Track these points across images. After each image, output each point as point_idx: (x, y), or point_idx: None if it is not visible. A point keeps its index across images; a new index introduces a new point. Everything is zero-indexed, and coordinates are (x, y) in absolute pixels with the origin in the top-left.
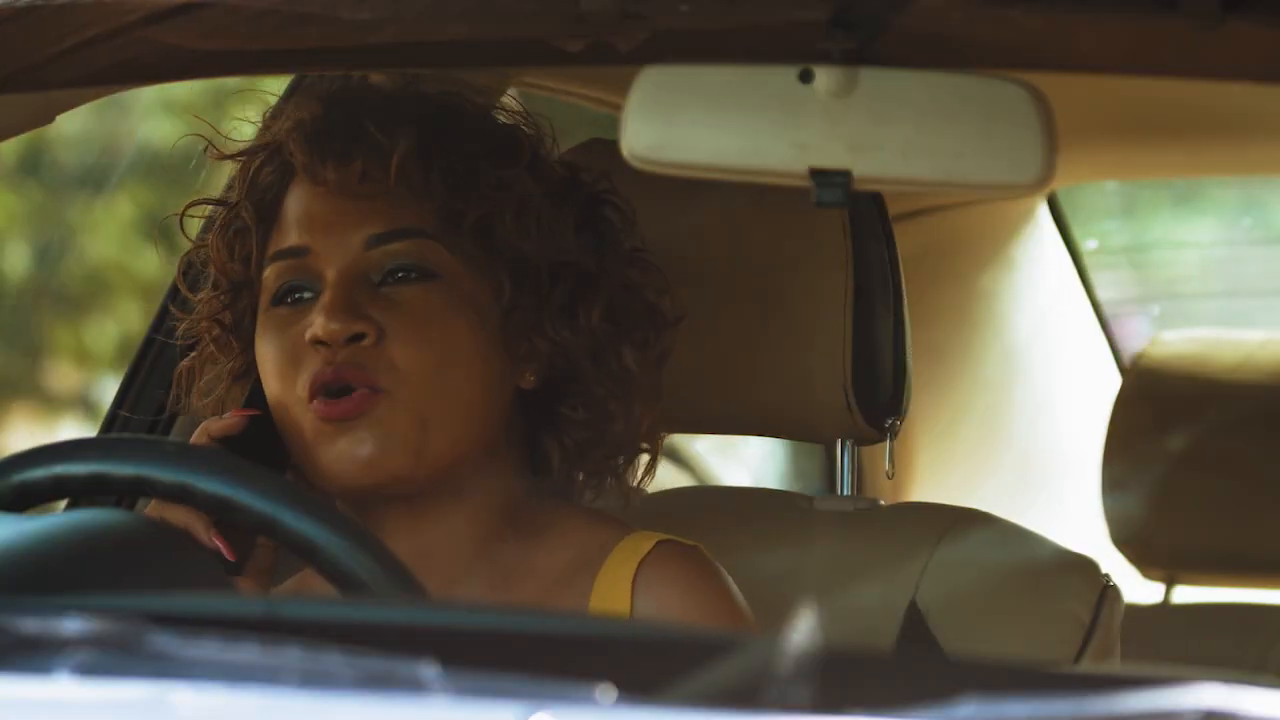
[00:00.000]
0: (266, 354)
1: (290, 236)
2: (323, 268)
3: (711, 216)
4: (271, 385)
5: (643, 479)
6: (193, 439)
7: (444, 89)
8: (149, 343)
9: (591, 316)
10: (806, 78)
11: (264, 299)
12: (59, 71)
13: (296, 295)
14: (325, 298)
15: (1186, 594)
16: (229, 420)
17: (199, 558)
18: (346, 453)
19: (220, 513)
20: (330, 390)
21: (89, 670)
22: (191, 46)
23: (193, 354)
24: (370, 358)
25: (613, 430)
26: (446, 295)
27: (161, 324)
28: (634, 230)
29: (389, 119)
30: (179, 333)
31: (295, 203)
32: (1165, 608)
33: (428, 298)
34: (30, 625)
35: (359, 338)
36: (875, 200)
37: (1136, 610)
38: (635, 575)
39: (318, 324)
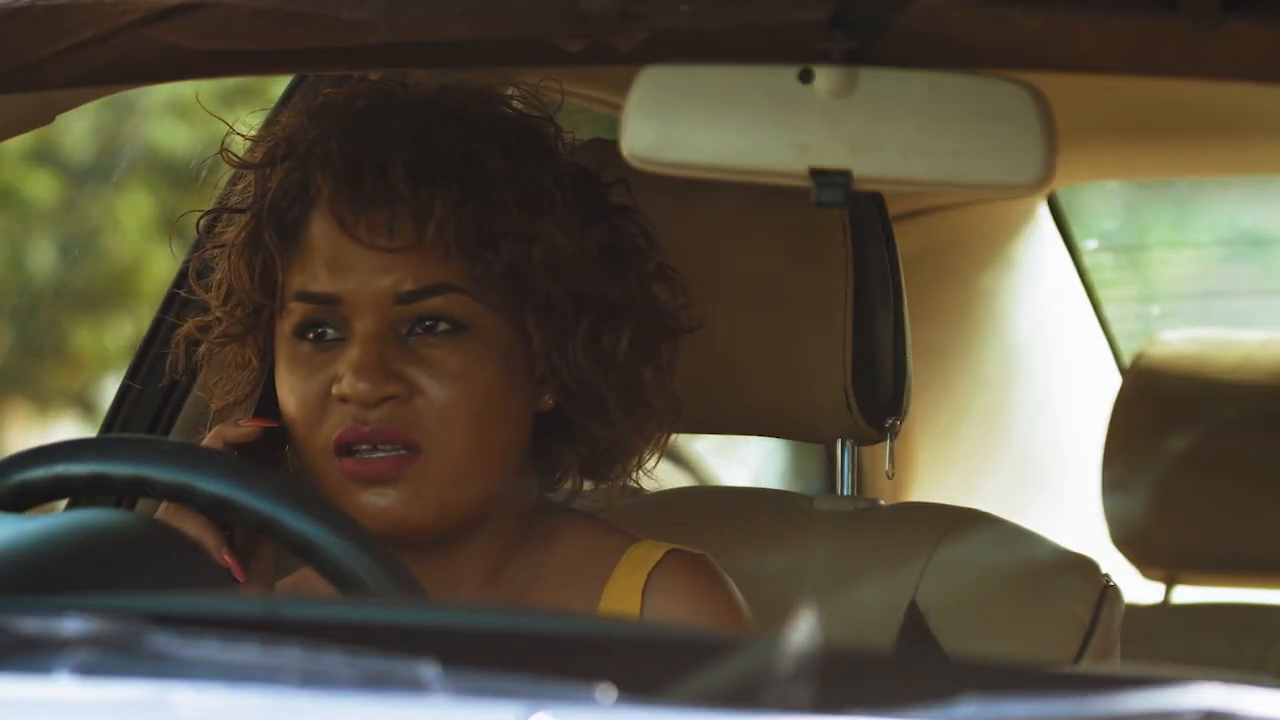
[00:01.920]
0: (290, 393)
1: (319, 279)
2: (351, 316)
3: (712, 217)
4: (294, 427)
5: (636, 475)
6: (205, 444)
7: (471, 104)
8: (158, 323)
9: (618, 345)
10: (806, 78)
11: (286, 325)
12: (55, 71)
13: (321, 331)
14: (354, 354)
15: (1186, 594)
16: (245, 429)
17: (199, 558)
18: (372, 507)
19: (220, 512)
20: (360, 450)
21: (89, 670)
22: (189, 46)
23: (192, 320)
24: (403, 415)
25: (630, 446)
26: (476, 347)
27: (171, 305)
28: (655, 243)
29: (421, 170)
30: (199, 353)
31: (322, 240)
32: (1165, 608)
33: (458, 352)
34: (30, 625)
35: (390, 398)
36: (875, 200)
37: (1136, 610)
38: (645, 586)
39: (346, 382)
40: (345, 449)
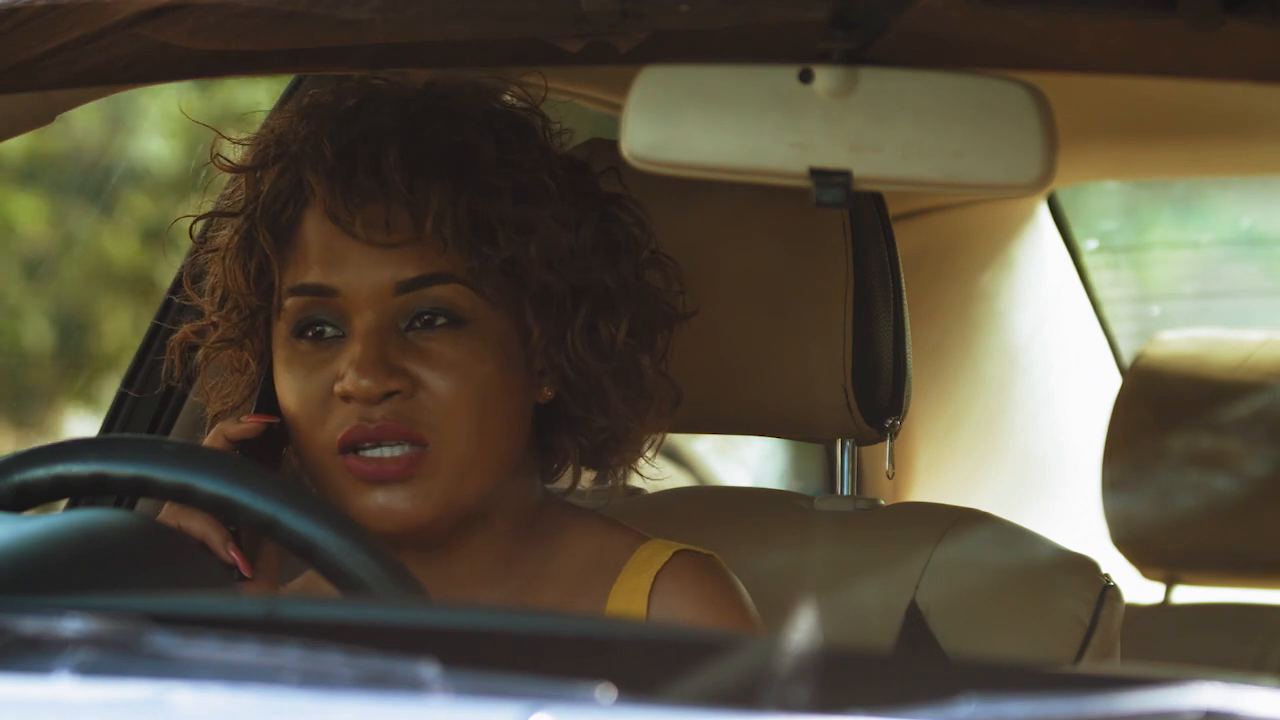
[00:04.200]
0: (290, 393)
1: (314, 272)
2: (349, 310)
3: (712, 217)
4: (295, 427)
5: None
6: (207, 441)
7: (459, 96)
8: (155, 330)
9: (616, 335)
10: (806, 78)
11: (283, 325)
12: (49, 71)
13: (319, 329)
14: (355, 351)
15: (1186, 594)
16: (246, 425)
17: (199, 558)
18: (381, 508)
19: (221, 513)
20: (367, 447)
21: (89, 670)
22: (181, 45)
23: (187, 326)
24: (408, 410)
25: (630, 434)
26: (475, 340)
27: (167, 312)
28: (648, 230)
29: (415, 163)
30: (196, 359)
31: (316, 235)
32: (1165, 608)
33: (458, 344)
34: (30, 625)
35: (393, 393)
36: (875, 200)
37: (1136, 610)
38: (652, 586)
39: (349, 380)
40: (351, 447)
